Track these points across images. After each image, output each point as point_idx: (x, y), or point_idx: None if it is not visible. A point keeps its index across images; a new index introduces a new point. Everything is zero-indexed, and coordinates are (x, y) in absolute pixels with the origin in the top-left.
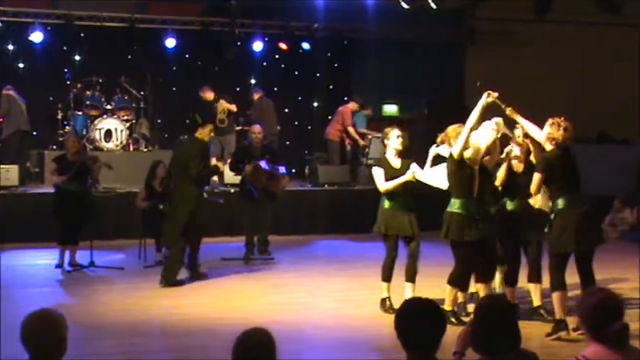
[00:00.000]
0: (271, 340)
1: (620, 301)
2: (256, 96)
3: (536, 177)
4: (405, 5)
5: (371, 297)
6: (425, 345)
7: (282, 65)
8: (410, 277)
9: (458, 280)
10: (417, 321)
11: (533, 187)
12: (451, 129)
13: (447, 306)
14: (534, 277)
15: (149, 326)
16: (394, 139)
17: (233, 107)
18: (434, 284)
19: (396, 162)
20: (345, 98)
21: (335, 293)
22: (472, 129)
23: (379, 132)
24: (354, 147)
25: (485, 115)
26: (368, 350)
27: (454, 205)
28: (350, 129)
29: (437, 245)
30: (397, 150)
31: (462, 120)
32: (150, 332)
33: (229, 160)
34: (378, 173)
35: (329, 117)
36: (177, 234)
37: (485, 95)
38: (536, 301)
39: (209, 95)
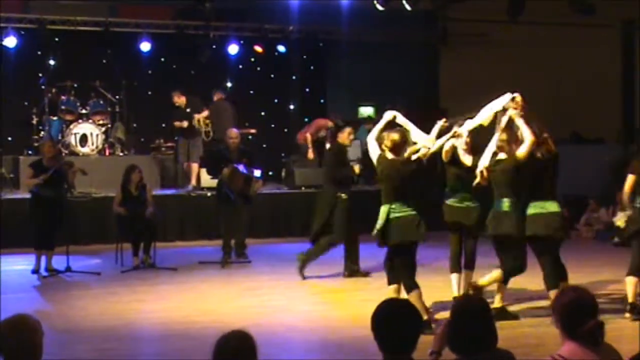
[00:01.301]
0: (251, 343)
1: (593, 299)
2: (215, 97)
3: None
4: (379, 7)
5: (347, 299)
6: (402, 346)
7: (258, 68)
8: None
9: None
10: (393, 322)
11: None
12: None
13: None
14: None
15: (126, 331)
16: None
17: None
18: None
19: None
20: (322, 100)
21: (311, 295)
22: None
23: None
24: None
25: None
26: (344, 352)
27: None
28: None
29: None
30: None
31: (437, 120)
32: (127, 337)
33: (193, 164)
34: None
35: (306, 120)
36: (316, 232)
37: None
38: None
39: (181, 99)
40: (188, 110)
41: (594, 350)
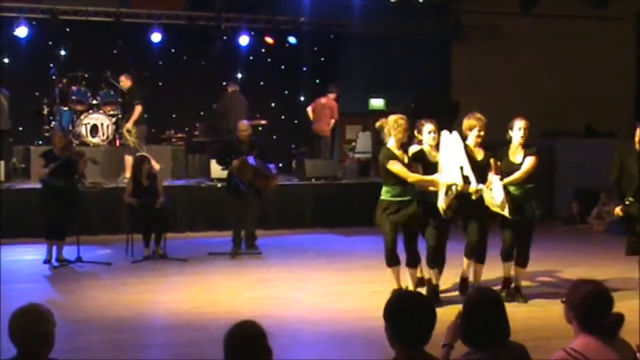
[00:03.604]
0: (261, 331)
1: (609, 292)
2: (229, 89)
3: None
4: None
5: (358, 291)
6: (415, 338)
7: (268, 60)
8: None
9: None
10: (408, 314)
11: None
12: (392, 119)
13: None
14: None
15: (136, 321)
16: (427, 135)
17: None
18: None
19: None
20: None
21: (322, 287)
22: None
23: (365, 125)
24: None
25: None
26: (355, 344)
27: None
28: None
29: None
30: (430, 147)
31: (449, 113)
32: (138, 327)
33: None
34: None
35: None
36: None
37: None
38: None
39: (127, 83)
40: (127, 95)
41: (609, 344)
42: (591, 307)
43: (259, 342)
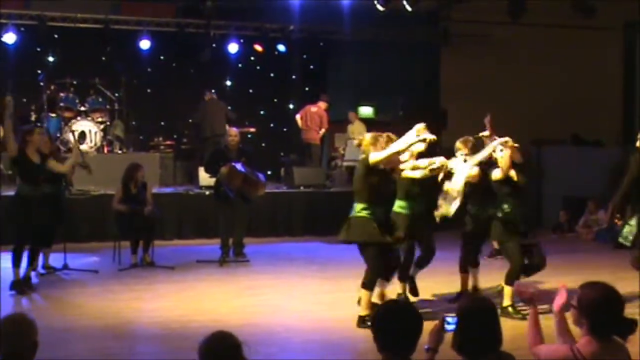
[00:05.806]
0: (233, 342)
1: (619, 292)
2: (206, 98)
3: None
4: (380, 7)
5: (346, 299)
6: (402, 347)
7: (258, 67)
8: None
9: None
10: (395, 323)
11: None
12: (371, 135)
13: (363, 311)
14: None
15: (123, 329)
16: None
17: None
18: None
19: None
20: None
21: (310, 295)
22: (399, 151)
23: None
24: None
25: None
26: (343, 352)
27: (357, 209)
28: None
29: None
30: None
31: (438, 121)
32: (124, 335)
33: None
34: None
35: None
36: None
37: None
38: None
39: None
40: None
41: (614, 347)
42: (606, 309)
43: (234, 355)
